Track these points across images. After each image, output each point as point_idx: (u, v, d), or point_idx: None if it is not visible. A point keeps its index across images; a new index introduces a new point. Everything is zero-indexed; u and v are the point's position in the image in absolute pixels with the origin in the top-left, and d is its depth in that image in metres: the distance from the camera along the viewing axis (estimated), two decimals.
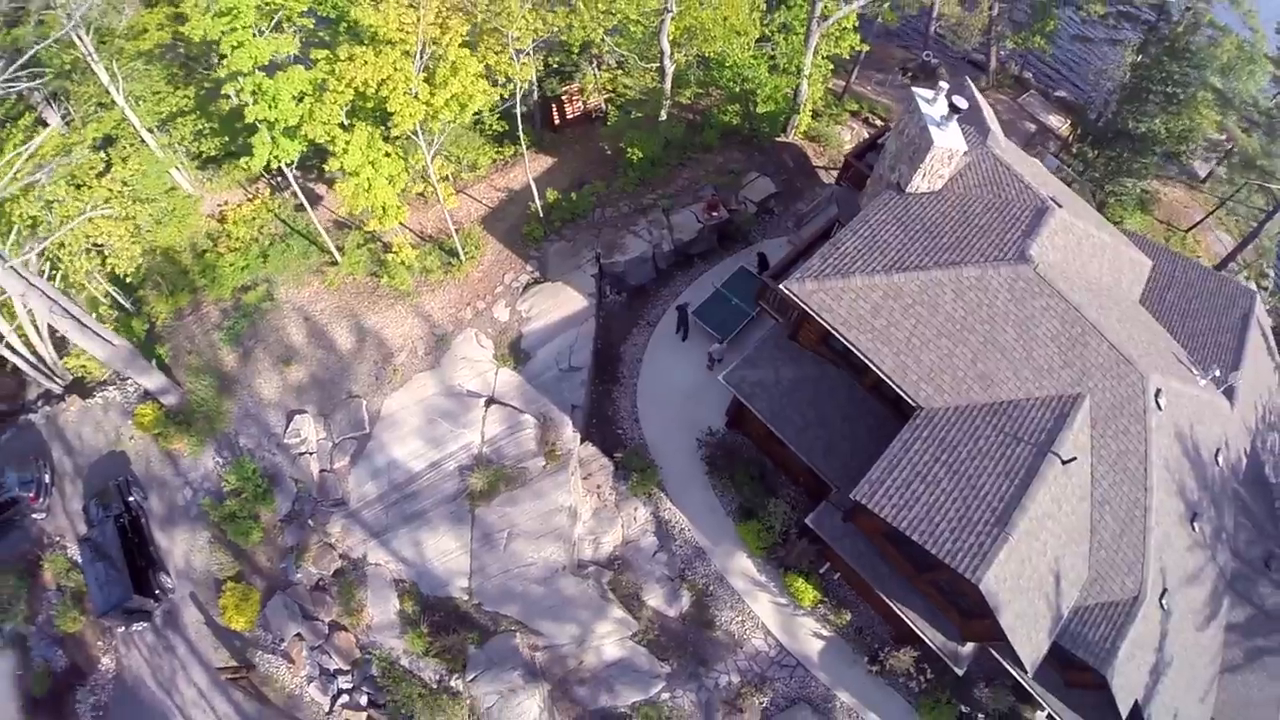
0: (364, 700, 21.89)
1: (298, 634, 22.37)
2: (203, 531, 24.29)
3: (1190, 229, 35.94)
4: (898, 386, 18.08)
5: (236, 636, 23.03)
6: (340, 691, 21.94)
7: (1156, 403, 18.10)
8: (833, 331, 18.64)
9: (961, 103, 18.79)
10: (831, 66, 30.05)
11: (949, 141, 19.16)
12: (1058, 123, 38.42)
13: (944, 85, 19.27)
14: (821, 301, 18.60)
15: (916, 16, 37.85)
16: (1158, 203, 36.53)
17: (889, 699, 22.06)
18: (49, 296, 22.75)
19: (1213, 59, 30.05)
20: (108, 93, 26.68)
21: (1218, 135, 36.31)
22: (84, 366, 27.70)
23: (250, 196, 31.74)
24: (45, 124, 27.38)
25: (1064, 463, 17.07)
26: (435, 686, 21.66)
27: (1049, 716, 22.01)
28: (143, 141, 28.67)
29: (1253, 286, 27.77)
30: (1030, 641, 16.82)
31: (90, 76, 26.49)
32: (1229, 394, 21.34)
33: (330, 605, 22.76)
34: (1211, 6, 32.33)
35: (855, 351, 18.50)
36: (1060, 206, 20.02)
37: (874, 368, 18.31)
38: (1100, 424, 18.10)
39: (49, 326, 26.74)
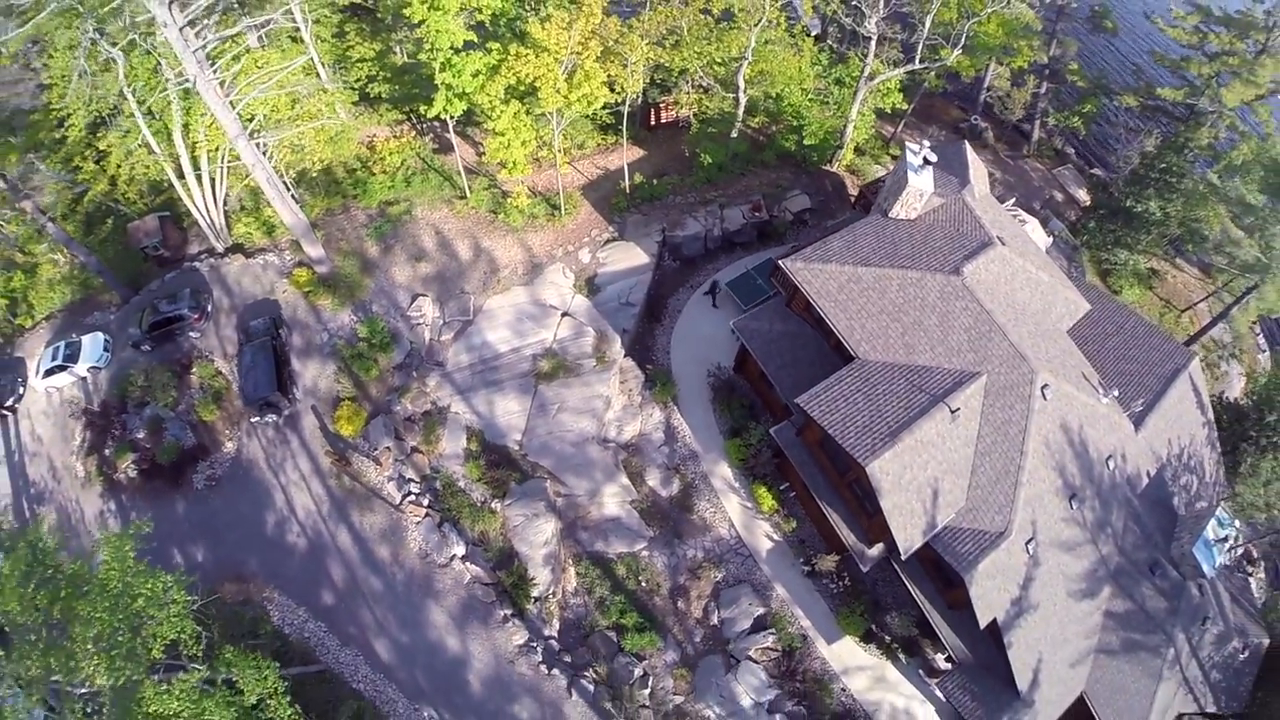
0: (425, 502, 33.21)
1: (388, 447, 34.00)
2: (331, 364, 36.41)
3: (1186, 309, 45.41)
4: (845, 340, 29.28)
5: (342, 441, 34.49)
6: (410, 493, 33.27)
7: (1042, 393, 27.77)
8: (809, 299, 30.19)
9: (932, 156, 30.32)
10: (874, 117, 41.71)
11: (921, 184, 30.59)
12: (1086, 196, 48.08)
13: (926, 143, 30.87)
14: (804, 276, 30.13)
15: (970, 84, 48.92)
16: (1162, 282, 46.26)
17: (815, 602, 32.36)
18: (267, 170, 34.79)
19: (1223, 158, 39.48)
20: (298, 29, 38.75)
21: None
22: (247, 234, 40.52)
23: (395, 135, 45.02)
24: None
25: (951, 411, 27.69)
26: (480, 504, 33.14)
27: (948, 659, 32.20)
28: (317, 75, 41.32)
29: (1194, 350, 35.73)
30: (905, 530, 26.95)
31: (288, 16, 37.65)
32: (1137, 421, 30.93)
33: (416, 433, 34.60)
34: (1237, 112, 42.22)
35: (822, 315, 29.96)
36: (1004, 245, 31.08)
37: (832, 326, 29.63)
38: (991, 397, 28.16)
39: (224, 201, 39.89)
